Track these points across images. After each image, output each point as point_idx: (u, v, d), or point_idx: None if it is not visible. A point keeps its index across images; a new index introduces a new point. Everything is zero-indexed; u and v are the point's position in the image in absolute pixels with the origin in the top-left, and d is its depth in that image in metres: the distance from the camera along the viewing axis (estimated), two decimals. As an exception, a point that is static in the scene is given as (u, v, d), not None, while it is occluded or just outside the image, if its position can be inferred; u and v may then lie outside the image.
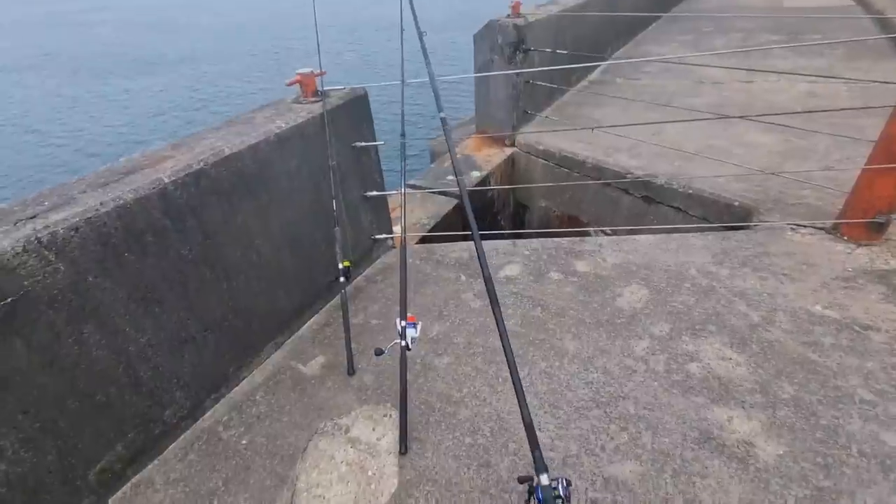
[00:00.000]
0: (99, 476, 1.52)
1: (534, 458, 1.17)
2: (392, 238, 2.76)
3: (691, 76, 5.36)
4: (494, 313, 1.33)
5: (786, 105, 4.29)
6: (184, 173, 1.56)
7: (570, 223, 4.08)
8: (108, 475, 1.55)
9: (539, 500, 1.13)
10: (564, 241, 2.71)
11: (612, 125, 3.49)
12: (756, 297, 2.12)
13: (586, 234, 3.92)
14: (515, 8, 3.95)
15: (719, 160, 3.32)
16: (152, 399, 1.63)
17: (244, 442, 1.74)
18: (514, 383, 1.26)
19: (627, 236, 2.67)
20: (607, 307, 2.16)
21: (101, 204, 1.37)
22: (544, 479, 1.13)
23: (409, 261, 2.69)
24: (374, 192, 2.48)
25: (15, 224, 1.26)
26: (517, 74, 4.01)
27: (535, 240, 2.75)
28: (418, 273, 2.55)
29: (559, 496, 1.12)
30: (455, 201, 3.61)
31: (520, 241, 2.74)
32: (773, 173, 2.99)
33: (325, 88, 2.15)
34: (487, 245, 2.74)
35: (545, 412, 1.70)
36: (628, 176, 3.43)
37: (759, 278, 2.23)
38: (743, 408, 1.64)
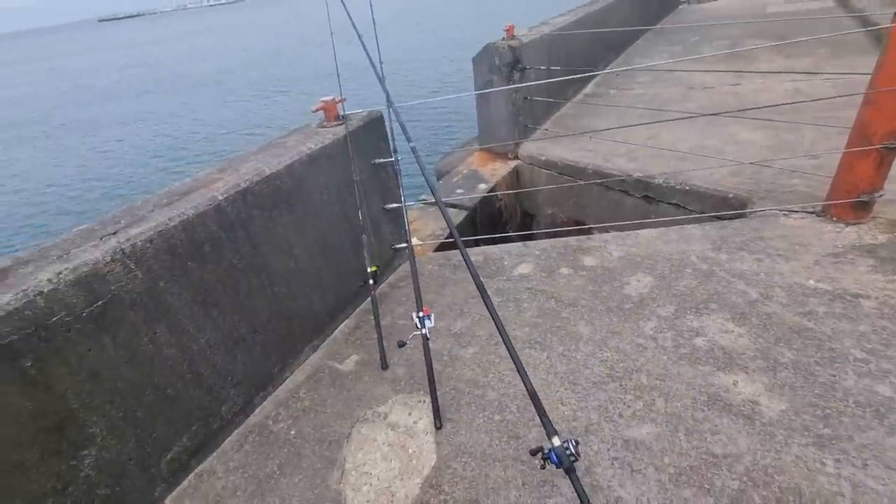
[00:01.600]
0: (169, 465, 1.69)
1: (542, 423, 1.29)
2: (411, 247, 2.96)
3: (682, 84, 5.61)
4: (486, 303, 1.45)
5: (772, 103, 4.51)
6: (234, 191, 1.79)
7: (577, 227, 4.27)
8: (176, 465, 1.72)
9: (554, 462, 1.25)
10: (572, 239, 2.89)
11: (608, 129, 3.72)
12: (753, 276, 2.28)
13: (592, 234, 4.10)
14: (510, 31, 4.25)
15: (713, 157, 3.53)
16: (211, 395, 1.82)
17: (293, 432, 1.91)
18: (513, 360, 1.37)
19: (630, 232, 2.85)
20: (616, 295, 2.33)
21: (168, 219, 1.59)
22: (556, 441, 1.25)
23: (429, 267, 2.89)
24: (393, 205, 2.70)
25: (101, 239, 1.49)
26: (515, 91, 4.28)
27: (544, 241, 2.94)
28: (438, 277, 2.74)
29: (571, 454, 1.24)
30: (465, 212, 3.83)
31: (530, 243, 2.93)
32: (763, 164, 3.18)
33: (345, 113, 2.40)
34: (501, 248, 2.94)
35: (566, 388, 1.86)
36: (628, 178, 3.64)
37: (755, 260, 2.39)
38: (746, 372, 1.79)
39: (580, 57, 5.71)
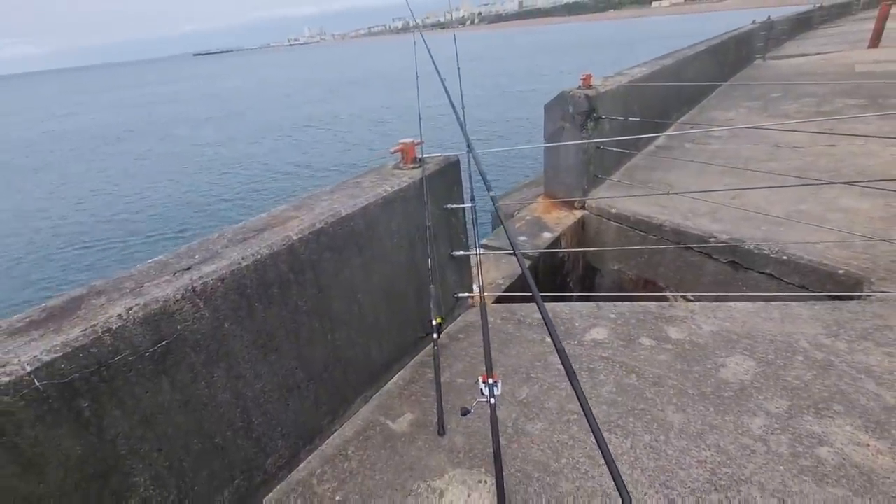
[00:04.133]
0: (206, 521, 1.55)
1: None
2: (471, 297, 2.80)
3: (766, 140, 5.26)
4: (574, 389, 1.17)
5: (881, 170, 4.08)
6: (308, 231, 1.72)
7: (646, 287, 3.95)
8: (214, 521, 1.58)
9: None
10: (652, 305, 2.62)
11: (690, 187, 3.46)
12: (886, 375, 1.91)
13: (665, 298, 3.77)
14: (587, 80, 4.15)
15: (813, 225, 3.17)
16: (258, 446, 1.69)
17: (338, 498, 1.73)
18: (608, 466, 1.07)
19: (721, 303, 2.54)
20: (710, 378, 2.02)
21: (242, 258, 1.52)
22: None
23: (491, 320, 2.69)
24: (461, 252, 2.56)
25: (174, 274, 1.43)
26: (587, 140, 4.13)
27: (619, 303, 2.68)
28: (501, 333, 2.54)
29: None
30: (528, 262, 3.64)
31: (603, 304, 2.68)
32: (880, 239, 2.80)
33: (423, 155, 2.33)
34: (571, 307, 2.71)
35: (657, 492, 1.57)
36: (711, 240, 3.33)
37: (885, 354, 2.02)
38: (895, 505, 1.44)
39: (654, 108, 5.52)
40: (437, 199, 2.34)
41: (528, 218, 4.39)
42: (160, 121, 27.23)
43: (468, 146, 2.27)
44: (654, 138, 5.76)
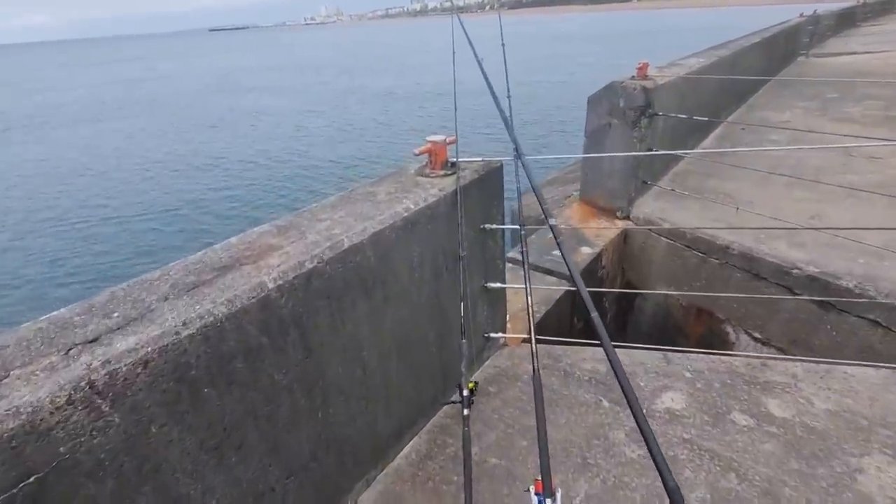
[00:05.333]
0: None
1: None
2: (505, 337, 2.24)
3: (834, 147, 4.60)
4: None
5: None
6: (293, 274, 1.16)
7: (700, 318, 3.37)
8: None
9: None
10: (737, 362, 2.05)
11: (765, 205, 2.86)
12: None
13: (725, 333, 3.20)
14: (642, 69, 3.52)
15: (925, 261, 2.56)
16: (209, 582, 1.15)
17: None
18: None
19: (829, 367, 1.97)
20: (846, 491, 1.46)
21: (183, 324, 0.96)
22: None
23: (526, 366, 2.14)
24: (497, 284, 2.00)
25: (67, 353, 0.88)
26: (640, 141, 3.52)
27: (693, 355, 2.11)
28: (544, 389, 1.98)
29: None
30: (566, 283, 3.07)
31: (672, 356, 2.11)
32: None
33: (457, 159, 1.75)
34: (629, 356, 2.14)
35: None
36: (794, 272, 2.73)
37: None
38: None
39: (706, 105, 4.86)
40: (473, 218, 1.77)
41: (562, 227, 3.80)
42: (172, 98, 26.70)
43: (516, 151, 1.69)
44: (702, 139, 5.12)
